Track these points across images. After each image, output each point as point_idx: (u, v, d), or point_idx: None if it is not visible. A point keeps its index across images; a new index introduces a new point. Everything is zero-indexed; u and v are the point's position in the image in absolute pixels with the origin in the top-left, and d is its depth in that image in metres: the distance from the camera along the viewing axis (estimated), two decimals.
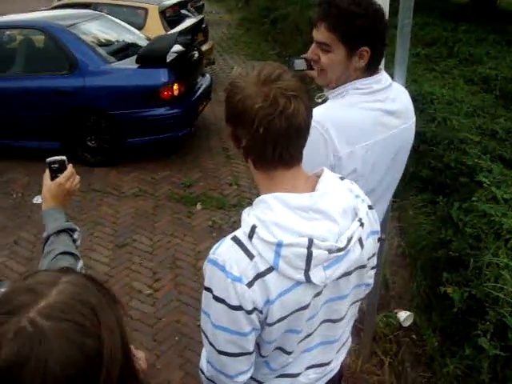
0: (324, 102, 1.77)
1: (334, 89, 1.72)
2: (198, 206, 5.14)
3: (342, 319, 1.37)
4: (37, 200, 5.32)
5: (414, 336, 3.21)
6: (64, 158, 1.64)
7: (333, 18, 1.59)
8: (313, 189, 1.24)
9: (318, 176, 1.28)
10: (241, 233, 1.20)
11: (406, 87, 5.33)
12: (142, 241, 4.62)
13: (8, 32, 6.45)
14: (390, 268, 3.75)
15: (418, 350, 3.10)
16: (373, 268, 1.46)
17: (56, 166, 1.62)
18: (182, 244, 4.57)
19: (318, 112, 1.53)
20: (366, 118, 1.66)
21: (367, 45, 1.60)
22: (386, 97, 1.70)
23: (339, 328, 1.40)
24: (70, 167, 1.64)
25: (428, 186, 4.27)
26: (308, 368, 1.41)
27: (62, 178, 1.61)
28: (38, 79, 5.89)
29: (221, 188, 5.56)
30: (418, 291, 3.37)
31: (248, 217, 1.20)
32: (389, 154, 1.74)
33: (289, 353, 1.31)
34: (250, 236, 1.17)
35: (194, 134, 6.61)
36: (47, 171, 1.63)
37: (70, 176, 1.63)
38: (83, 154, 5.98)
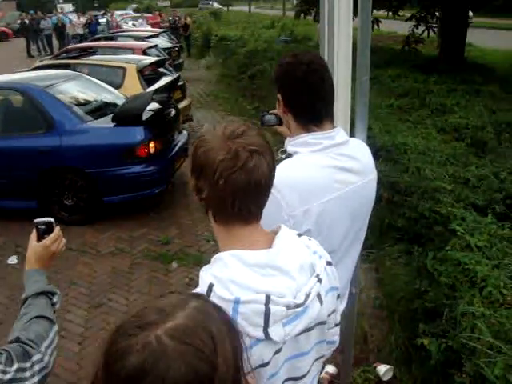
0: (288, 156, 1.79)
1: (290, 138, 1.80)
2: (174, 264, 5.08)
3: (304, 376, 1.34)
4: (12, 261, 5.24)
5: None
6: (52, 220, 1.65)
7: None
8: (270, 245, 1.24)
9: (276, 233, 1.28)
10: (198, 291, 1.18)
11: (380, 138, 5.38)
12: (118, 300, 4.54)
13: None
14: (369, 321, 3.71)
15: None
16: (336, 325, 1.45)
17: (43, 227, 1.63)
18: None
19: None
20: (319, 175, 1.68)
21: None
22: (340, 153, 1.73)
23: None
24: (57, 230, 1.64)
25: (404, 236, 4.28)
26: None
27: (48, 240, 1.61)
28: (15, 139, 5.91)
29: (198, 244, 5.52)
30: (397, 344, 3.32)
31: (205, 275, 1.20)
32: (348, 210, 1.75)
33: None
34: (208, 294, 1.15)
35: (171, 191, 6.62)
36: (34, 232, 1.63)
37: (56, 238, 1.62)
38: (60, 212, 5.93)
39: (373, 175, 1.86)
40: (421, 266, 3.62)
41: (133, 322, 0.84)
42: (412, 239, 4.14)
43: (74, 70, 7.69)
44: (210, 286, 1.16)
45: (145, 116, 5.77)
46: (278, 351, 1.21)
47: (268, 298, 1.14)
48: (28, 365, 1.32)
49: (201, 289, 1.18)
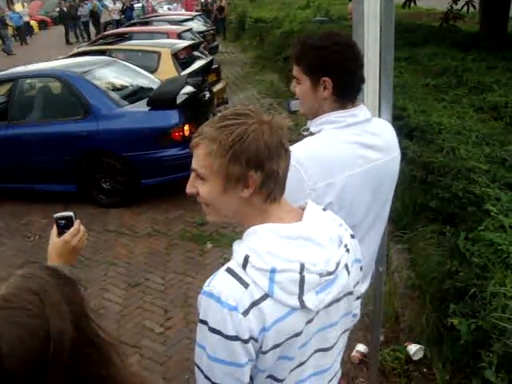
0: (311, 134, 1.82)
1: (312, 119, 1.81)
2: (209, 245, 5.18)
3: (332, 347, 1.39)
4: None
5: (424, 370, 3.16)
6: (71, 214, 1.61)
7: (298, 52, 1.76)
8: (299, 219, 1.29)
9: (302, 208, 1.34)
10: (234, 263, 1.23)
11: (414, 118, 5.29)
12: (155, 280, 4.67)
13: (28, 80, 6.73)
14: (400, 301, 3.72)
15: None
16: (358, 298, 1.50)
17: (63, 222, 1.59)
18: (194, 282, 4.58)
19: (293, 148, 1.60)
20: (342, 151, 1.71)
21: (327, 75, 1.71)
22: (363, 130, 1.76)
23: (330, 357, 1.41)
24: (77, 223, 1.60)
25: (437, 217, 4.24)
26: None
27: (67, 235, 1.57)
28: (54, 125, 6.11)
29: (232, 226, 5.57)
30: (428, 323, 3.32)
31: (239, 248, 1.24)
32: (370, 187, 1.78)
33: (280, 380, 1.32)
34: (244, 265, 1.20)
35: None
36: (54, 227, 1.59)
37: (75, 233, 1.58)
38: (98, 195, 6.12)
39: (396, 153, 1.88)
40: (453, 247, 3.59)
41: None
42: (445, 220, 4.10)
43: (109, 56, 7.85)
44: (246, 258, 1.20)
45: (179, 99, 5.84)
46: (309, 321, 1.26)
47: (302, 266, 1.19)
48: None
49: (236, 261, 1.23)
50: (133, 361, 3.59)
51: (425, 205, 4.43)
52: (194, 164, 1.29)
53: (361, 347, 3.34)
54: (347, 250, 1.31)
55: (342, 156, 1.71)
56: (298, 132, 1.99)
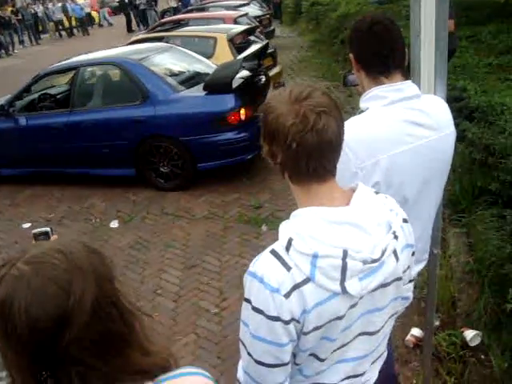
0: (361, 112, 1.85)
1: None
2: (264, 228, 5.21)
3: (378, 331, 1.39)
4: (113, 224, 5.63)
5: (481, 356, 3.08)
6: (48, 229, 1.70)
7: None
8: (348, 202, 1.28)
9: (353, 190, 1.32)
10: (278, 245, 1.26)
11: (475, 99, 5.13)
12: (211, 262, 4.75)
13: (89, 69, 6.94)
14: (458, 285, 3.64)
15: (486, 371, 2.97)
16: (410, 281, 1.49)
17: (42, 237, 1.67)
18: (250, 264, 4.62)
19: None
20: (388, 128, 1.71)
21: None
22: (411, 107, 1.74)
23: (375, 340, 1.42)
24: (53, 238, 1.65)
25: (497, 200, 4.11)
26: (344, 379, 1.43)
27: None
28: (113, 110, 6.28)
29: (289, 209, 5.51)
30: (486, 309, 3.24)
31: (285, 230, 1.26)
32: (421, 164, 1.75)
33: (322, 359, 1.34)
34: (287, 248, 1.22)
35: (262, 157, 6.72)
36: (33, 242, 1.64)
37: None
38: (156, 179, 6.26)
39: (449, 131, 1.84)
40: None
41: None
42: (506, 203, 3.96)
43: (167, 42, 7.96)
44: (290, 240, 1.22)
45: (235, 84, 5.87)
46: (353, 305, 1.26)
47: (345, 252, 1.19)
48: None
49: (280, 243, 1.25)
50: (189, 340, 3.70)
51: (484, 188, 4.30)
52: None
53: (416, 331, 3.30)
54: (395, 237, 1.29)
55: (387, 134, 1.70)
56: (352, 105, 2.01)
